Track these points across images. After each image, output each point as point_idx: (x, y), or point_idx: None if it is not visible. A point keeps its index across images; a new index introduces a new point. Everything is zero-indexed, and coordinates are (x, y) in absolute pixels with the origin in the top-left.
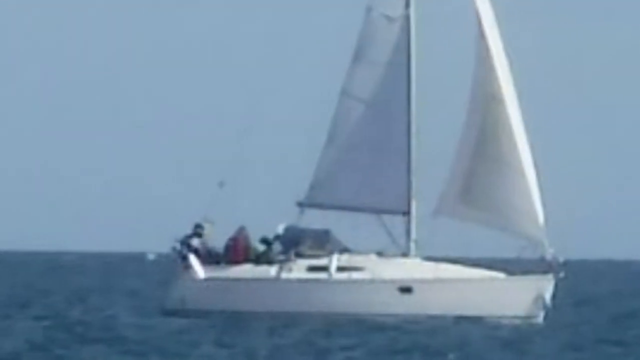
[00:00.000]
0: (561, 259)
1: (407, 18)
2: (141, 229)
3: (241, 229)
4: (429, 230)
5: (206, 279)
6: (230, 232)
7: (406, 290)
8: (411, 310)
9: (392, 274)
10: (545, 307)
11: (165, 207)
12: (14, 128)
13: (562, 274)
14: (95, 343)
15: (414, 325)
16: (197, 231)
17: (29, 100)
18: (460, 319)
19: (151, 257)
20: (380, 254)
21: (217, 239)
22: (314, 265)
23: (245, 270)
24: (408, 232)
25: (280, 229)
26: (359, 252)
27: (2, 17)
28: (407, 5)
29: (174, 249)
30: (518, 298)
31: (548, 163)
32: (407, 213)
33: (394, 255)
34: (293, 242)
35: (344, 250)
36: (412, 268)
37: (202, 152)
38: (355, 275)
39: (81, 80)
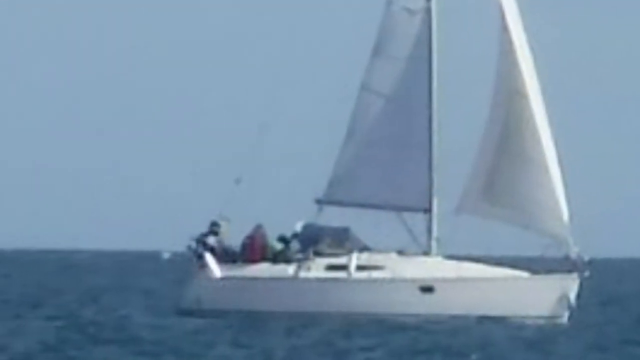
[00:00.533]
0: (586, 258)
1: (428, 11)
2: (156, 227)
3: (258, 227)
4: (450, 228)
5: (222, 278)
6: (247, 230)
7: (427, 289)
8: (432, 310)
9: (413, 272)
10: (569, 306)
11: (181, 205)
12: (26, 125)
13: (587, 273)
14: (109, 344)
15: (436, 326)
16: (213, 229)
17: (42, 97)
18: (482, 319)
19: (166, 255)
20: (400, 252)
21: (233, 237)
22: (333, 264)
23: (263, 269)
24: (429, 230)
25: (298, 227)
26: (379, 251)
27: (14, 13)
28: None
29: (189, 247)
30: (542, 297)
31: (572, 159)
32: (428, 210)
33: (415, 254)
34: (311, 240)
35: (363, 248)
36: (433, 267)
37: (218, 148)
38: (375, 274)
39: (95, 77)
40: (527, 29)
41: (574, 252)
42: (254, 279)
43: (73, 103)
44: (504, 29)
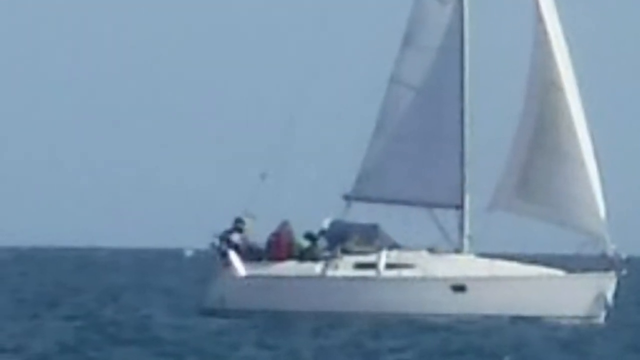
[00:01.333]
0: (624, 256)
1: (460, 0)
2: (178, 224)
3: (284, 224)
4: (483, 224)
5: (247, 277)
6: (273, 227)
7: (459, 288)
8: (464, 309)
9: (444, 271)
10: (606, 306)
11: (204, 200)
12: (41, 119)
13: (624, 271)
14: (129, 344)
15: (468, 326)
16: (238, 226)
17: (58, 89)
18: (516, 319)
19: (189, 253)
20: (431, 250)
21: (258, 234)
22: (361, 262)
23: (289, 267)
24: (461, 227)
25: (325, 224)
26: (409, 248)
27: (31, 6)
28: None
29: (212, 244)
30: (578, 297)
31: (609, 153)
32: (460, 207)
33: (446, 252)
34: (339, 238)
35: (393, 246)
36: (465, 265)
37: (243, 142)
38: (405, 272)
39: (115, 67)
40: (562, 18)
41: (611, 249)
42: (280, 277)
43: (91, 95)
44: (539, 18)
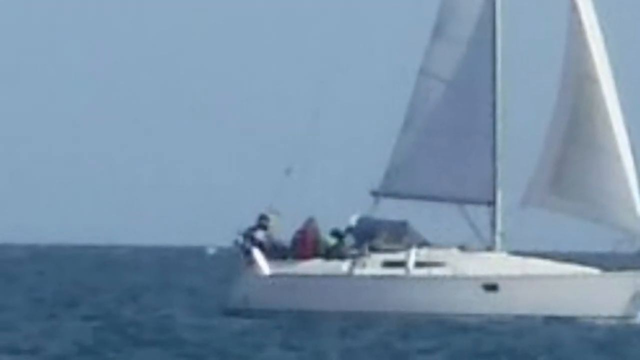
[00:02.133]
0: None
1: None
2: (200, 221)
3: (310, 221)
4: (516, 221)
5: (272, 276)
6: (298, 224)
7: (491, 287)
8: (497, 309)
9: (475, 269)
10: None
11: (227, 197)
12: (60, 113)
13: None
14: (150, 346)
15: (500, 326)
16: (262, 223)
17: (79, 85)
18: (550, 319)
19: (211, 251)
20: (462, 247)
21: (283, 232)
22: (390, 260)
23: (315, 265)
24: (493, 224)
25: (353, 221)
26: (440, 246)
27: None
28: None
29: (236, 242)
30: (614, 296)
31: None
32: (492, 203)
33: (478, 250)
34: (367, 235)
35: (422, 243)
36: (497, 263)
37: (267, 136)
38: (435, 271)
39: (134, 62)
40: (597, 7)
41: None
42: (306, 276)
43: (111, 90)
44: (573, 8)
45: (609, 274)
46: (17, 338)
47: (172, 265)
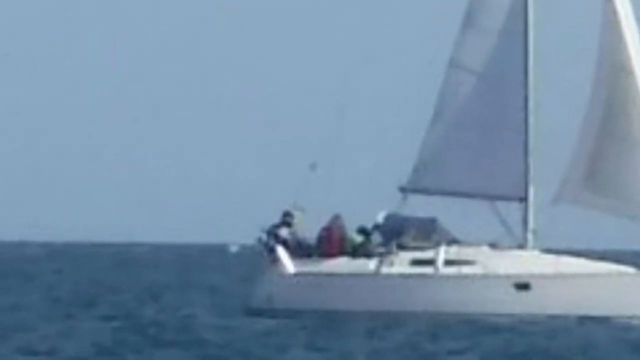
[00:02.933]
0: None
1: None
2: (222, 217)
3: (336, 218)
4: (548, 218)
5: (296, 274)
6: (324, 221)
7: (523, 286)
8: (529, 309)
9: (507, 268)
10: None
11: (250, 193)
12: (81, 107)
13: None
14: (171, 346)
15: (532, 327)
16: (286, 220)
17: (97, 77)
18: (584, 320)
19: (234, 249)
20: (493, 245)
21: (308, 229)
22: (418, 258)
23: (341, 264)
24: (525, 221)
25: (380, 218)
26: (470, 244)
27: None
28: None
29: (259, 240)
30: None
31: None
32: (524, 199)
33: (509, 247)
34: (395, 232)
35: (452, 241)
36: (529, 261)
37: (291, 130)
38: (465, 269)
39: (155, 53)
40: None
41: None
42: (331, 275)
43: (129, 82)
44: None
45: None
46: (33, 339)
47: (193, 264)
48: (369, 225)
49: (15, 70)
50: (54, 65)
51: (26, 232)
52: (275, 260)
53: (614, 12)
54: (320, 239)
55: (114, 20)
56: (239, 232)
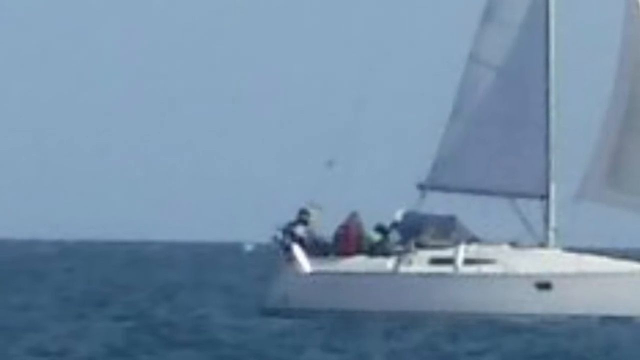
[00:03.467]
0: None
1: None
2: (237, 215)
3: (353, 216)
4: (570, 216)
5: (312, 273)
6: (341, 219)
7: (544, 286)
8: (550, 309)
9: (527, 267)
10: None
11: (266, 190)
12: (93, 103)
13: None
14: (184, 347)
15: (554, 327)
16: (303, 218)
17: (109, 72)
18: (606, 320)
19: (249, 247)
20: (513, 244)
21: (325, 227)
22: (437, 257)
23: (358, 263)
24: (546, 219)
25: (398, 216)
26: (490, 242)
27: None
28: None
29: (275, 238)
30: None
31: None
32: (545, 197)
33: (530, 246)
34: (413, 231)
35: (472, 239)
36: (550, 260)
37: (308, 126)
38: (485, 268)
39: (170, 48)
40: None
41: None
42: (348, 274)
43: (143, 77)
44: None
45: None
46: (44, 339)
47: (207, 263)
48: (387, 223)
49: (27, 67)
50: (66, 61)
51: (37, 231)
52: (291, 259)
53: (636, 5)
54: (337, 237)
55: (126, 15)
56: (254, 230)
